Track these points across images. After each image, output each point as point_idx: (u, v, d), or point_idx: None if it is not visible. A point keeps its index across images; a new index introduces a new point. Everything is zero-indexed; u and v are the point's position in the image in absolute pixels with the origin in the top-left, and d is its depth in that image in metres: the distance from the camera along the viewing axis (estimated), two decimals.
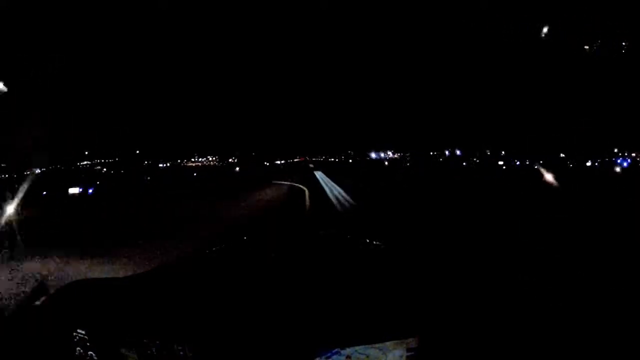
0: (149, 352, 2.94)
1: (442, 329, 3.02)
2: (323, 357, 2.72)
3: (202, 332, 2.90)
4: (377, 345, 2.76)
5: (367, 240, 4.95)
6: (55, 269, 8.86)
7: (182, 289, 3.66)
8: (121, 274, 7.17)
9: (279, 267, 3.91)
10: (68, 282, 4.25)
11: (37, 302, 3.89)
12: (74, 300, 3.67)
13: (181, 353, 2.86)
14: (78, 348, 3.15)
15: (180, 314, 3.19)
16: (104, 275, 8.12)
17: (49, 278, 8.19)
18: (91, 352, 3.10)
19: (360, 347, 2.76)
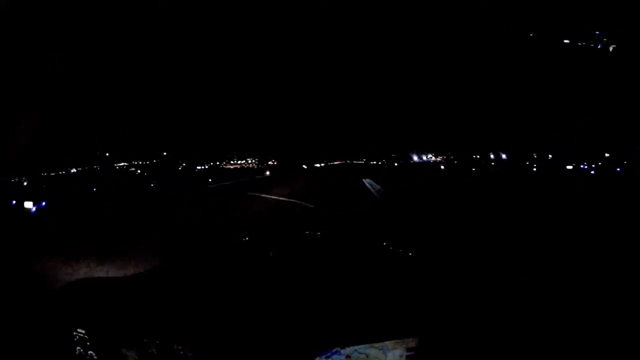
0: (149, 351, 2.94)
1: (441, 329, 3.02)
2: (323, 356, 2.72)
3: (202, 332, 2.90)
4: (377, 345, 2.76)
5: (369, 241, 4.95)
6: None
7: (182, 290, 3.66)
8: (121, 274, 7.15)
9: (279, 267, 3.91)
10: (68, 281, 4.25)
11: (38, 302, 3.89)
12: (74, 300, 3.67)
13: (181, 353, 2.86)
14: (78, 347, 3.14)
15: (180, 314, 3.19)
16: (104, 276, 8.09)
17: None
18: (91, 352, 3.10)
19: (360, 346, 2.75)
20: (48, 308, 3.70)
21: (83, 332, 3.15)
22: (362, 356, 2.77)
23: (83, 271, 8.84)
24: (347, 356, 2.74)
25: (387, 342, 2.82)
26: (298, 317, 2.93)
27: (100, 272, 8.71)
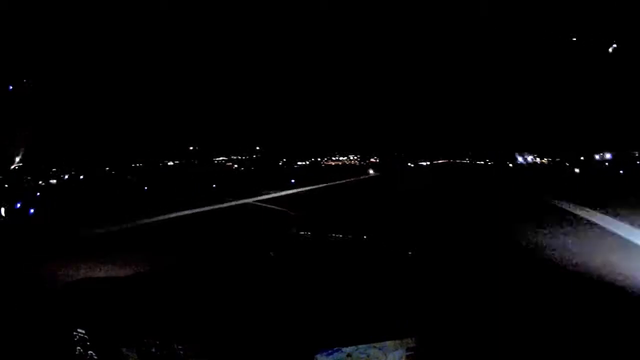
0: (149, 351, 2.94)
1: (441, 329, 3.03)
2: (324, 354, 2.73)
3: (202, 332, 2.91)
4: (377, 344, 2.77)
5: (369, 241, 4.95)
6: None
7: (182, 289, 3.66)
8: (121, 274, 7.17)
9: (279, 266, 3.92)
10: (68, 281, 4.26)
11: (39, 301, 3.90)
12: (74, 300, 3.67)
13: (181, 353, 2.87)
14: (78, 348, 3.15)
15: (180, 314, 3.19)
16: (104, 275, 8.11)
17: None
18: (91, 352, 3.10)
19: (362, 346, 2.76)
20: (48, 308, 3.71)
21: (83, 332, 3.16)
22: (364, 356, 2.78)
23: (83, 271, 8.85)
24: (349, 354, 2.75)
25: (387, 342, 2.83)
26: (298, 316, 2.93)
27: (100, 272, 8.72)
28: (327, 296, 3.16)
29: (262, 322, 2.93)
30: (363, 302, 3.14)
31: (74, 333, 3.18)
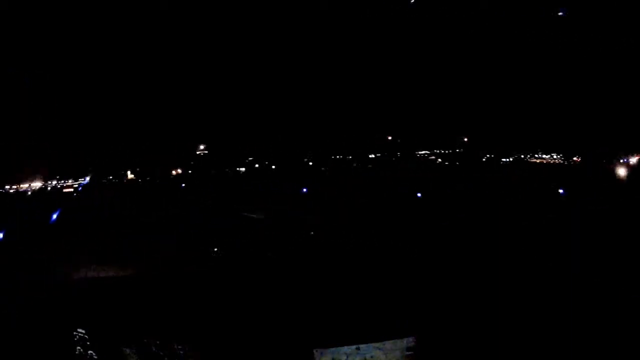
0: (149, 351, 2.94)
1: (440, 329, 3.03)
2: (324, 352, 2.73)
3: (202, 332, 2.91)
4: (377, 344, 2.78)
5: (367, 242, 4.96)
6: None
7: (182, 290, 3.67)
8: (121, 274, 7.16)
9: (278, 267, 3.92)
10: (68, 281, 4.26)
11: (39, 301, 3.90)
12: (74, 300, 3.67)
13: (181, 352, 2.87)
14: (78, 347, 3.15)
15: (180, 314, 3.20)
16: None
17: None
18: (91, 352, 3.11)
19: (362, 345, 2.77)
20: (48, 308, 3.71)
21: (83, 332, 3.17)
22: (364, 355, 2.79)
23: (83, 271, 8.84)
24: (351, 352, 2.76)
25: (387, 342, 2.84)
26: (297, 316, 2.94)
27: (101, 272, 8.70)
28: (326, 296, 3.17)
29: (261, 323, 2.93)
30: (363, 302, 3.15)
31: (74, 333, 3.18)
